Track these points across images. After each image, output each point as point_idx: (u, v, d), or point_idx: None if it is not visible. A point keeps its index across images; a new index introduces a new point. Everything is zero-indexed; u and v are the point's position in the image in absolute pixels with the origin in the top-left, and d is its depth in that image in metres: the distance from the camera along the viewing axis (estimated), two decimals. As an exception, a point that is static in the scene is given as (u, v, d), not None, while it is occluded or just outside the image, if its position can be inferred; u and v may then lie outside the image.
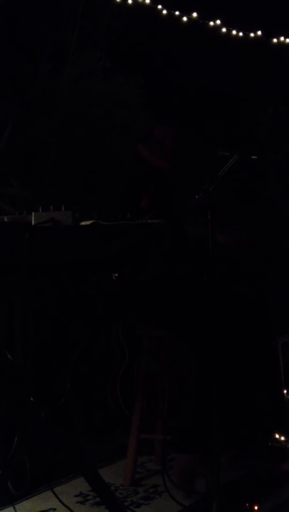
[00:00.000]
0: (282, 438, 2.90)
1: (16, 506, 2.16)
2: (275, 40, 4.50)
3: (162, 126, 2.64)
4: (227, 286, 2.27)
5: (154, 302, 2.35)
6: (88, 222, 2.00)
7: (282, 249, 4.10)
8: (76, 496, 2.41)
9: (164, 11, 4.20)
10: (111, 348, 2.90)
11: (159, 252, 1.97)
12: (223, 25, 4.33)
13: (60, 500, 2.11)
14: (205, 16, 4.29)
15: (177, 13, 4.23)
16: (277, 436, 2.93)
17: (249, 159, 2.42)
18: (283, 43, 4.52)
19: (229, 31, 4.37)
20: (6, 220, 1.97)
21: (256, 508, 2.03)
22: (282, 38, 4.51)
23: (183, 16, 4.25)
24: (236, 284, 2.38)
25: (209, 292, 2.01)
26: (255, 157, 2.43)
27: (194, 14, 4.26)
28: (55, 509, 2.26)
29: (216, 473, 2.13)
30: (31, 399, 2.03)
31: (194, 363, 2.28)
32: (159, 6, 4.16)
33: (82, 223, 2.01)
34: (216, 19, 4.33)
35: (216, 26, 4.33)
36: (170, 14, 4.21)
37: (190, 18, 4.26)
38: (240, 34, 4.40)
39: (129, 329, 2.83)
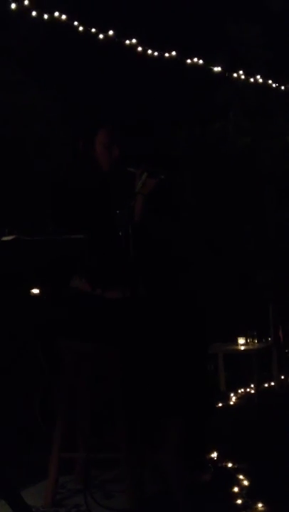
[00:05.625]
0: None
1: None
2: (189, 60, 4.63)
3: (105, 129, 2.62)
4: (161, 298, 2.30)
5: (78, 316, 2.32)
6: (10, 238, 1.96)
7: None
8: (-5, 520, 2.32)
9: (81, 28, 4.21)
10: (30, 364, 2.84)
11: (83, 266, 1.96)
12: (138, 44, 4.40)
13: (-20, 526, 2.03)
14: (121, 34, 4.35)
15: (94, 30, 4.26)
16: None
17: (158, 177, 2.47)
18: (197, 64, 4.66)
19: (145, 50, 4.44)
20: None
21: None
22: (195, 59, 4.65)
23: (99, 34, 4.28)
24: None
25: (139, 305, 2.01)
26: (163, 176, 2.49)
27: (111, 32, 4.31)
28: (-27, 536, 2.17)
29: (139, 488, 2.13)
30: None
31: (121, 376, 2.26)
32: (76, 23, 4.17)
33: (4, 238, 1.97)
34: (132, 38, 4.39)
35: (131, 45, 4.39)
36: (86, 31, 4.23)
37: (106, 36, 4.30)
38: (156, 54, 4.49)
39: (50, 344, 2.78)
